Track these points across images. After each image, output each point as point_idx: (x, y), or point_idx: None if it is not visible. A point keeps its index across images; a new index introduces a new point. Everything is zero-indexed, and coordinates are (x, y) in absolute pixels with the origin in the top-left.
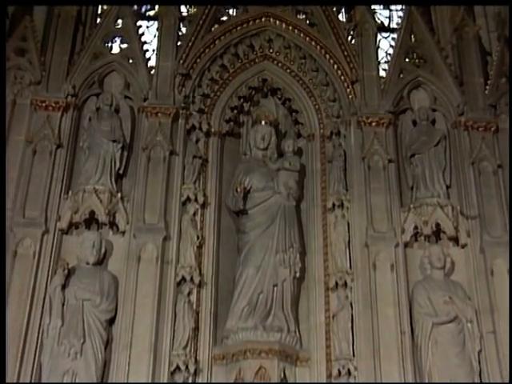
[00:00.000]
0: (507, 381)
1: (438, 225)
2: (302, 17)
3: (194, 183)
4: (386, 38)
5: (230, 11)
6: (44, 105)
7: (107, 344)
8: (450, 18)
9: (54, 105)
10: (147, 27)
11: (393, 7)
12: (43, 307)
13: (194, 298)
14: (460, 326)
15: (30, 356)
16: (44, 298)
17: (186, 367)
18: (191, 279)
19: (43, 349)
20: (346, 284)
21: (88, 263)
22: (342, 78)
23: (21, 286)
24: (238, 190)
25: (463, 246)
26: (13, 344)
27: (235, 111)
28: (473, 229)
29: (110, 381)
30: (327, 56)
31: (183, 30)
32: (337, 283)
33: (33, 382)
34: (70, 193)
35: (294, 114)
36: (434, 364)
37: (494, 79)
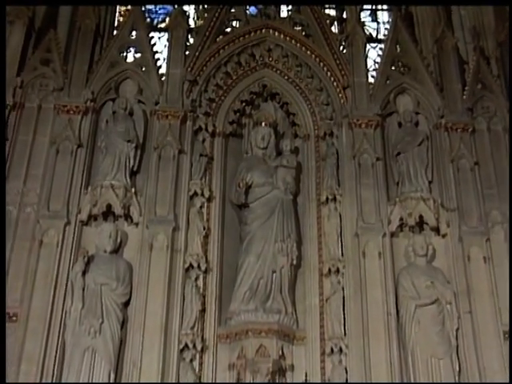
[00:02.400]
0: (482, 354)
1: (421, 216)
2: (298, 28)
3: (200, 179)
4: (374, 48)
5: (234, 23)
6: (66, 109)
7: (123, 324)
8: (432, 31)
9: (74, 109)
10: (158, 38)
11: (380, 20)
12: (66, 291)
13: (200, 282)
14: (440, 307)
15: (55, 334)
16: (66, 283)
17: (194, 345)
18: (198, 266)
19: (66, 328)
20: (338, 270)
21: (105, 251)
22: (335, 83)
23: (46, 271)
24: (241, 185)
25: (443, 236)
26: (39, 324)
27: (238, 114)
28: (452, 220)
29: (126, 357)
30: (321, 64)
31: (191, 40)
32: (330, 269)
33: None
34: (89, 188)
35: (291, 116)
36: (416, 342)
37: (471, 85)
